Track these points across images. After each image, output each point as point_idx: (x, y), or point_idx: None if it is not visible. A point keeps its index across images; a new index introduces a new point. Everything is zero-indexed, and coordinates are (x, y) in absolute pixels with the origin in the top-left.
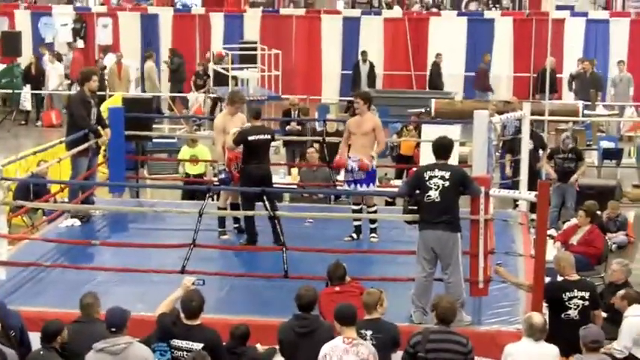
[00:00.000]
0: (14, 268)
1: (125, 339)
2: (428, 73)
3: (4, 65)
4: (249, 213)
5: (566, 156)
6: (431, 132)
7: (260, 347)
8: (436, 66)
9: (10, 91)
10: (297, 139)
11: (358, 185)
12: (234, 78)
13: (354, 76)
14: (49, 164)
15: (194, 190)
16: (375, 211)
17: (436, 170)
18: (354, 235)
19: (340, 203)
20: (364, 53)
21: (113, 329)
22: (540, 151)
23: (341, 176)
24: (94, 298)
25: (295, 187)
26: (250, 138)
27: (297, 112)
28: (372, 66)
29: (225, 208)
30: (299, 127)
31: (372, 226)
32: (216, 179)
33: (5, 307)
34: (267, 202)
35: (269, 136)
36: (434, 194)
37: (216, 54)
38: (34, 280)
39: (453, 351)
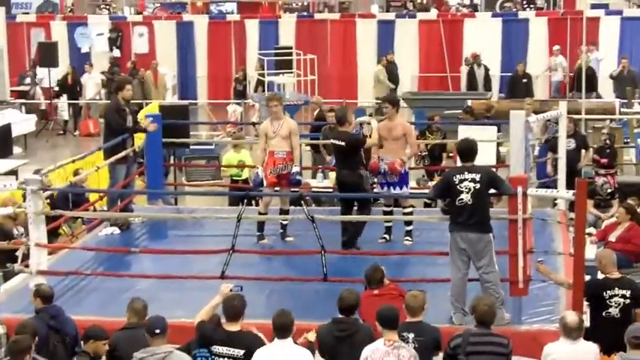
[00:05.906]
0: (55, 277)
1: (164, 348)
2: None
3: None
4: (288, 217)
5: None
6: (467, 132)
7: None
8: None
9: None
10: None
11: (391, 188)
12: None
13: (470, 80)
14: (87, 172)
15: (240, 195)
16: (410, 213)
17: (465, 173)
18: (387, 236)
19: (377, 206)
20: (477, 57)
21: (157, 331)
22: (583, 151)
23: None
24: (143, 303)
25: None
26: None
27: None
28: (487, 69)
29: (266, 214)
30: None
31: (408, 228)
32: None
33: (63, 313)
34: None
35: (342, 143)
36: (466, 197)
37: None
38: (74, 288)
39: (494, 353)
